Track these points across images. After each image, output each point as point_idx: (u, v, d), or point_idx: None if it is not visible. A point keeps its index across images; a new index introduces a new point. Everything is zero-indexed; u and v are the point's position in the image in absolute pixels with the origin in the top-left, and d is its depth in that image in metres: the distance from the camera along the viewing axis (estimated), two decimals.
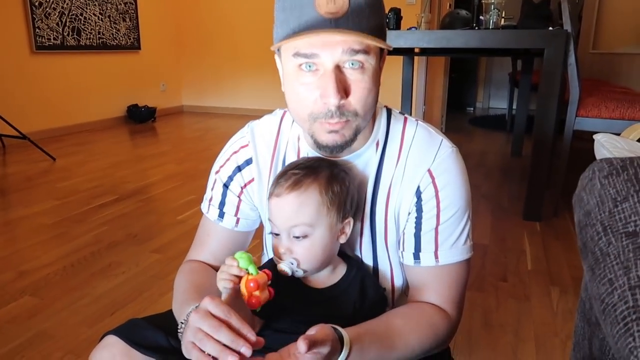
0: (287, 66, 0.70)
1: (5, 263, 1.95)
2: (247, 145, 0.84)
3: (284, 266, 0.71)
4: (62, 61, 4.59)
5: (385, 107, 0.82)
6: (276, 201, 0.72)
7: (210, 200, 0.87)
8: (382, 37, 0.68)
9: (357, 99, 0.67)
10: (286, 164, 0.82)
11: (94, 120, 4.98)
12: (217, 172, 0.86)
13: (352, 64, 0.66)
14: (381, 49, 0.70)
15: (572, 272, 1.92)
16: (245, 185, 0.84)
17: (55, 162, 3.56)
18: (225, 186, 0.85)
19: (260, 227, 0.91)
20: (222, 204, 0.85)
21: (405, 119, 0.81)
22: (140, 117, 5.29)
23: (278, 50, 0.73)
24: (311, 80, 0.67)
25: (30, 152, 3.73)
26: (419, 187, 0.76)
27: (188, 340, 0.59)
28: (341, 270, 0.78)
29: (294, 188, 0.71)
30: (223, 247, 0.87)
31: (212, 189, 0.87)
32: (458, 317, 0.79)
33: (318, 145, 0.72)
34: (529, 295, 1.74)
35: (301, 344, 0.55)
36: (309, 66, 0.66)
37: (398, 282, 0.83)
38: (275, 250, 0.74)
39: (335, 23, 0.63)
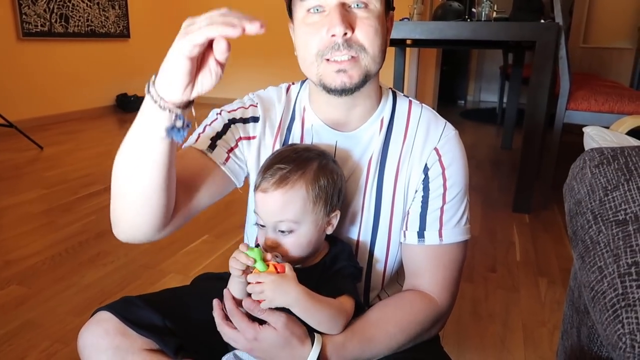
0: (297, 15, 0.73)
1: None
2: (256, 106, 0.83)
3: (271, 258, 0.70)
4: (49, 48, 4.51)
5: (391, 88, 0.84)
6: (262, 196, 0.71)
7: (202, 132, 0.79)
8: None
9: (363, 33, 0.69)
10: (291, 135, 0.82)
11: (82, 109, 4.92)
12: (219, 113, 0.81)
13: (357, 5, 0.69)
14: (387, 7, 0.74)
15: (560, 263, 1.94)
16: (244, 138, 0.80)
17: (43, 150, 3.51)
18: (227, 125, 0.79)
19: (243, 218, 0.90)
20: (217, 137, 0.78)
21: (410, 101, 0.84)
22: (129, 106, 5.23)
23: (290, 13, 0.75)
24: (318, 19, 0.70)
25: (18, 140, 3.67)
26: (426, 164, 0.78)
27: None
28: (324, 251, 0.77)
29: (280, 185, 0.69)
30: (196, 175, 0.74)
31: (208, 125, 0.80)
32: (448, 303, 0.79)
33: (327, 89, 0.72)
34: (517, 286, 1.75)
35: (245, 300, 0.65)
36: (317, 9, 0.70)
37: (391, 264, 0.83)
38: (261, 241, 0.74)
39: None
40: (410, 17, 2.99)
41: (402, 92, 3.37)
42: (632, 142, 1.82)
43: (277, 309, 0.65)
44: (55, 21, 4.49)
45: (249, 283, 0.65)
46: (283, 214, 0.70)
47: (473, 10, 2.79)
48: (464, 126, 5.07)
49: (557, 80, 2.54)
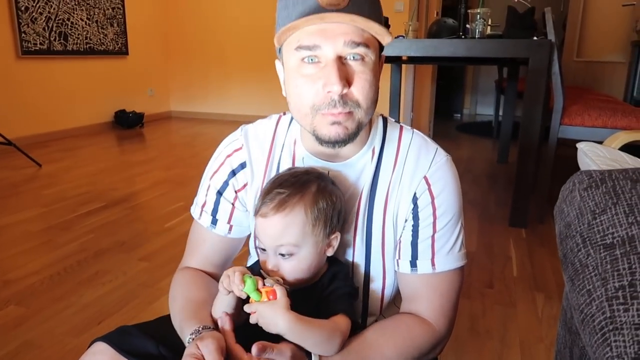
0: (289, 62, 0.71)
1: None
2: (240, 149, 0.84)
3: (272, 282, 0.71)
4: (48, 66, 4.55)
5: (381, 115, 0.84)
6: (262, 221, 0.72)
7: (203, 206, 0.86)
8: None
9: (359, 89, 0.69)
10: (281, 168, 0.82)
11: (80, 125, 4.94)
12: (210, 178, 0.85)
13: (354, 57, 0.68)
14: (379, 49, 0.72)
15: (557, 278, 1.95)
16: (239, 190, 0.84)
17: (41, 168, 3.53)
18: (219, 193, 0.84)
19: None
20: (215, 210, 0.85)
21: (401, 127, 0.83)
22: (127, 122, 5.26)
23: (279, 52, 0.74)
24: (313, 71, 0.68)
25: (16, 158, 3.69)
26: (415, 194, 0.77)
27: None
28: (323, 270, 0.78)
29: (279, 209, 0.70)
30: (217, 252, 0.88)
31: (205, 195, 0.86)
32: (446, 329, 0.79)
33: (320, 141, 0.72)
34: (514, 302, 1.76)
35: (254, 347, 0.62)
36: (311, 59, 0.68)
37: (388, 290, 0.84)
38: (262, 264, 0.74)
39: (337, 12, 0.65)
40: (405, 34, 3.04)
41: (399, 106, 3.36)
42: (625, 157, 1.84)
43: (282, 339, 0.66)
44: (55, 39, 4.53)
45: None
46: (283, 237, 0.71)
47: (467, 26, 2.83)
48: (460, 140, 5.11)
49: (551, 94, 2.58)
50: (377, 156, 0.79)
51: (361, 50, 0.67)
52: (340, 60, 0.67)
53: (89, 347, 0.75)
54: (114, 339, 0.73)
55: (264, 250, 0.74)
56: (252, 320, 0.65)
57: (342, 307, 0.74)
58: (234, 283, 0.67)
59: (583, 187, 0.69)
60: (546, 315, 1.67)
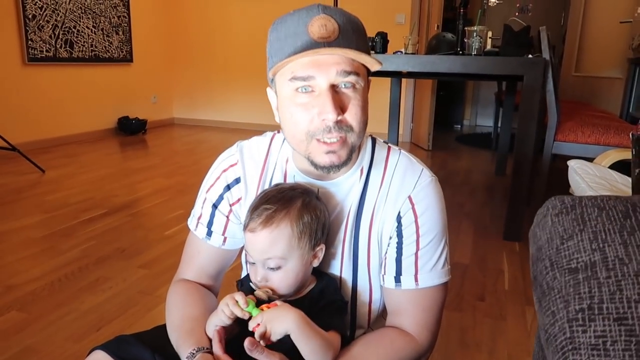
0: (283, 92, 0.75)
1: None
2: (235, 164, 0.88)
3: (261, 293, 0.76)
4: (54, 73, 4.62)
5: (371, 136, 0.88)
6: (250, 236, 0.77)
7: (199, 218, 0.90)
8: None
9: (352, 114, 0.73)
10: (271, 184, 0.87)
11: (84, 131, 5.01)
12: (207, 191, 0.90)
13: (345, 85, 0.72)
14: (367, 74, 0.77)
15: None
16: (233, 204, 0.88)
17: (45, 174, 3.58)
18: (215, 206, 0.89)
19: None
20: (210, 223, 0.89)
21: (389, 147, 0.87)
22: (130, 129, 5.33)
23: (272, 81, 0.78)
24: (307, 100, 0.72)
25: (19, 163, 3.74)
26: (399, 213, 0.81)
27: None
28: (311, 284, 0.82)
29: (266, 225, 0.75)
30: (211, 263, 0.92)
31: (201, 207, 0.90)
32: (429, 342, 0.83)
33: (315, 167, 0.76)
34: (504, 315, 1.80)
35: (246, 341, 0.66)
36: (305, 89, 0.72)
37: (375, 304, 0.88)
38: (252, 277, 0.79)
39: (328, 45, 0.69)
40: (405, 47, 3.09)
41: (398, 118, 3.40)
42: (615, 175, 1.89)
43: (275, 348, 0.70)
44: (60, 46, 4.61)
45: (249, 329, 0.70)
46: (271, 251, 0.75)
47: (465, 41, 2.89)
48: (459, 151, 5.15)
49: (546, 110, 2.63)
50: (365, 176, 0.83)
51: (352, 78, 0.72)
52: (334, 89, 0.72)
53: (88, 355, 0.79)
54: (112, 348, 0.77)
55: (253, 263, 0.78)
56: (257, 334, 0.69)
57: (335, 322, 0.78)
58: (236, 307, 0.71)
59: (555, 212, 0.73)
60: (535, 329, 1.71)
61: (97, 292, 1.88)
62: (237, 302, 0.71)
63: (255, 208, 0.77)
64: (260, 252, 0.76)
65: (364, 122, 0.76)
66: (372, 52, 2.92)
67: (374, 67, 0.75)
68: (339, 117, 0.72)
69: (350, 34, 0.72)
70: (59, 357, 1.48)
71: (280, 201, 0.77)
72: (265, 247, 0.75)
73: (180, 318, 0.83)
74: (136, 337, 0.82)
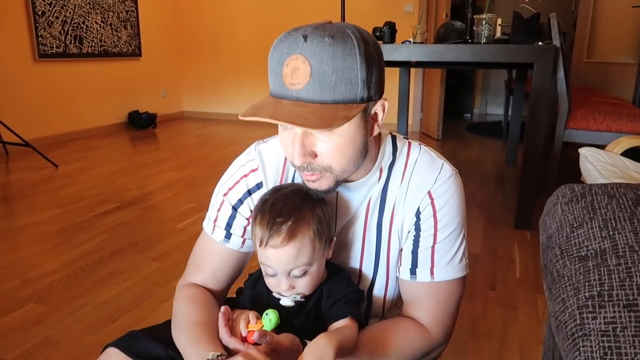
0: None
1: (10, 271, 2.02)
2: (257, 169, 0.86)
3: (290, 302, 0.77)
4: (64, 69, 4.67)
5: (390, 133, 0.86)
6: (274, 252, 0.75)
7: (216, 220, 0.88)
8: (352, 101, 0.67)
9: (327, 157, 0.71)
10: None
11: (95, 126, 5.06)
12: (225, 194, 0.87)
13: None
14: (366, 112, 0.71)
15: None
16: (251, 214, 0.86)
17: (58, 169, 3.63)
18: (234, 209, 0.87)
19: None
20: (229, 225, 0.87)
21: (409, 143, 0.85)
22: (141, 123, 5.37)
23: None
24: (287, 136, 0.73)
25: (33, 159, 3.80)
26: (418, 208, 0.81)
27: None
28: (323, 277, 0.83)
29: (290, 239, 0.73)
30: (225, 267, 0.90)
31: (218, 210, 0.88)
32: (442, 337, 0.83)
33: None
34: (516, 304, 1.80)
35: (255, 332, 0.68)
36: (284, 127, 0.73)
37: (390, 294, 0.89)
38: (274, 287, 0.79)
39: (297, 94, 0.66)
40: (413, 37, 3.08)
41: (407, 107, 3.36)
42: (627, 162, 1.87)
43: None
44: (70, 42, 4.64)
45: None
46: (297, 261, 0.75)
47: (474, 29, 2.86)
48: (469, 140, 5.12)
49: (557, 97, 2.60)
50: (386, 175, 0.83)
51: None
52: (307, 132, 0.69)
53: (102, 352, 0.81)
54: (125, 344, 0.79)
55: (273, 275, 0.77)
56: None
57: (352, 310, 0.79)
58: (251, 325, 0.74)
59: (565, 200, 0.73)
60: (546, 317, 1.71)
61: (112, 284, 1.91)
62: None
63: (268, 223, 0.74)
64: (286, 265, 0.75)
65: (350, 158, 0.73)
66: (380, 42, 2.91)
67: (353, 112, 0.67)
68: (305, 164, 0.72)
69: (328, 77, 0.65)
70: (77, 348, 1.52)
71: (293, 210, 0.75)
72: (291, 259, 0.75)
73: (187, 328, 0.81)
74: (146, 332, 0.83)
